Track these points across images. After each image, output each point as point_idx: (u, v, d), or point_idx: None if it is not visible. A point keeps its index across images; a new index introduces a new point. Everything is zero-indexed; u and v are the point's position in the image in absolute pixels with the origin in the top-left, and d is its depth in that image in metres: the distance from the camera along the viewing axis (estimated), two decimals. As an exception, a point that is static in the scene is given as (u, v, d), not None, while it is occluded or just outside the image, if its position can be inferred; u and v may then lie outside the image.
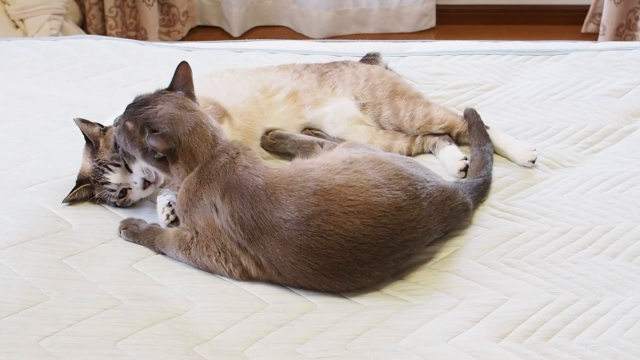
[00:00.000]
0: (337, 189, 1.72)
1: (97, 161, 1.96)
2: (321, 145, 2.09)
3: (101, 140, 1.97)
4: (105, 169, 1.94)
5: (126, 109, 1.86)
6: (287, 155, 2.16)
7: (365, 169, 1.78)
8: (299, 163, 1.86)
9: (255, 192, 1.73)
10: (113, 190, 1.95)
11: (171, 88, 1.89)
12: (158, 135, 1.77)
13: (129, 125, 1.82)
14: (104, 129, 1.99)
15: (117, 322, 1.64)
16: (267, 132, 2.22)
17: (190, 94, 1.89)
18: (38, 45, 2.73)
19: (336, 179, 1.74)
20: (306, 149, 2.10)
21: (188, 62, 1.90)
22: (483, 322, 1.66)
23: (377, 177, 1.77)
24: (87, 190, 1.98)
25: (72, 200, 1.97)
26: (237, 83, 2.22)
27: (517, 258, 1.83)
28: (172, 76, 1.90)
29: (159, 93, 1.88)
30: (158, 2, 4.37)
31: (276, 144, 2.19)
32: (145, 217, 1.93)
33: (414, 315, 1.68)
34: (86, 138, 1.99)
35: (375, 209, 1.72)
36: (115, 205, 1.97)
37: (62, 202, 1.96)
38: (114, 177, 1.94)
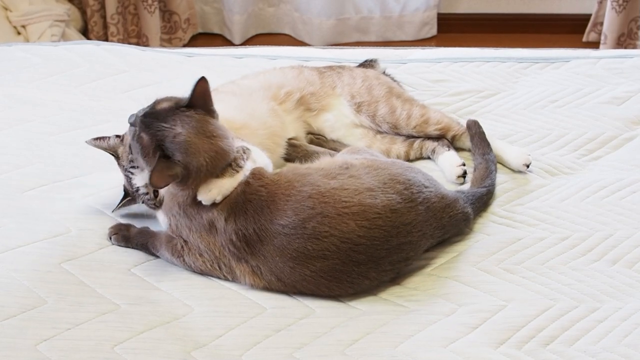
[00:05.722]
0: (331, 192, 1.73)
1: (124, 170, 1.93)
2: (332, 157, 2.09)
3: (120, 149, 1.93)
4: (129, 174, 1.91)
5: (144, 116, 1.76)
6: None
7: (360, 174, 1.79)
8: (297, 167, 1.86)
9: (258, 205, 1.73)
10: (146, 194, 1.90)
11: (190, 105, 1.78)
12: (165, 167, 1.70)
13: (144, 138, 1.74)
14: (122, 138, 1.93)
15: (115, 327, 1.64)
16: None
17: (210, 111, 1.79)
18: (39, 51, 2.73)
19: (331, 183, 1.75)
20: (317, 159, 2.10)
21: (206, 78, 1.79)
22: (482, 328, 1.65)
23: (372, 181, 1.77)
24: (132, 201, 1.94)
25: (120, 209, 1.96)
26: (249, 98, 2.17)
27: (516, 264, 1.83)
28: (190, 92, 1.78)
29: (179, 109, 1.76)
30: (160, 9, 4.38)
31: (288, 153, 2.19)
32: (137, 223, 1.93)
33: (412, 321, 1.68)
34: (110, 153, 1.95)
35: (369, 210, 1.72)
36: (157, 208, 1.90)
37: (112, 211, 1.95)
38: (138, 180, 1.90)
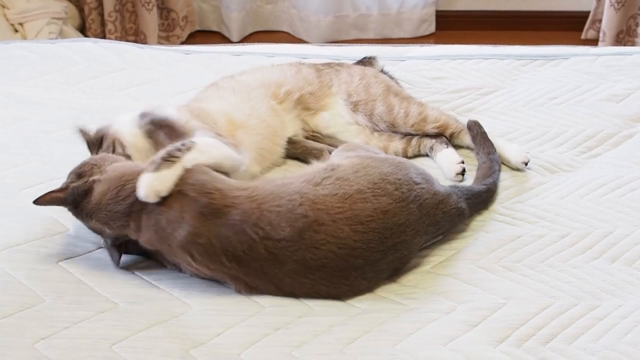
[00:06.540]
0: (322, 198, 1.71)
1: None
2: (330, 152, 2.08)
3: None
4: None
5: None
6: (297, 160, 2.17)
7: (347, 175, 1.77)
8: (272, 179, 1.83)
9: (237, 228, 1.68)
10: None
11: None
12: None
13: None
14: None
15: (113, 325, 1.63)
16: None
17: (74, 199, 1.77)
18: (36, 48, 2.73)
19: (319, 189, 1.73)
20: (316, 155, 2.10)
21: (40, 198, 1.78)
22: (481, 326, 1.65)
23: (361, 183, 1.75)
24: None
25: None
26: (249, 96, 2.16)
27: (515, 262, 1.82)
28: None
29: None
30: (157, 6, 4.37)
31: (287, 149, 2.18)
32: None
33: (411, 319, 1.67)
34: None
35: (362, 214, 1.71)
36: None
37: None
38: None
